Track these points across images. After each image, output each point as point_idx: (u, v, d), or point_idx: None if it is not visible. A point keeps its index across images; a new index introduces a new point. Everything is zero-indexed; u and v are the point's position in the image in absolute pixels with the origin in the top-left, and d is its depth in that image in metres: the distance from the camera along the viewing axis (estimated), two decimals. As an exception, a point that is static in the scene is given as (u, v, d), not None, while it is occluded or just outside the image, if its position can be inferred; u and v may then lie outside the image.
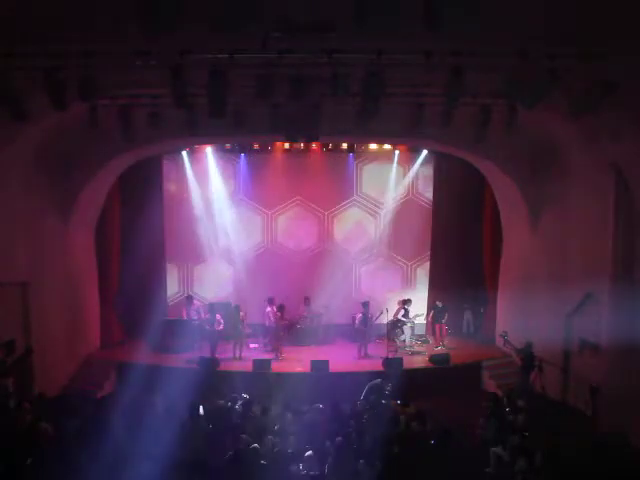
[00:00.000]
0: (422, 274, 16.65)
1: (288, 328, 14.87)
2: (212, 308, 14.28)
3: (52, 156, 11.85)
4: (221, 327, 13.93)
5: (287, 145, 15.25)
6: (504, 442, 8.39)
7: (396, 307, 14.94)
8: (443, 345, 14.72)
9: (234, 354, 13.96)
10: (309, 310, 15.48)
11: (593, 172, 10.88)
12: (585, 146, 10.81)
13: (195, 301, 15.15)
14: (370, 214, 16.38)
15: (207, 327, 13.92)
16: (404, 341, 14.79)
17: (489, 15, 6.33)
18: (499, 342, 14.17)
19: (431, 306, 15.50)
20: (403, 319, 14.74)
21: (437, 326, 14.97)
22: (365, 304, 14.62)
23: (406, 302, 14.98)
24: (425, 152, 15.78)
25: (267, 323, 14.50)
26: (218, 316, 13.99)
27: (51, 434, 8.16)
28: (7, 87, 7.50)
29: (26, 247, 11.42)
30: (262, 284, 15.91)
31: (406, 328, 14.79)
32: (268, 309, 14.39)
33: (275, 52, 7.27)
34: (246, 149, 15.73)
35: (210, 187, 15.97)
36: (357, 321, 14.47)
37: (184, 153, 15.59)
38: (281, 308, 14.38)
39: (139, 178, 15.20)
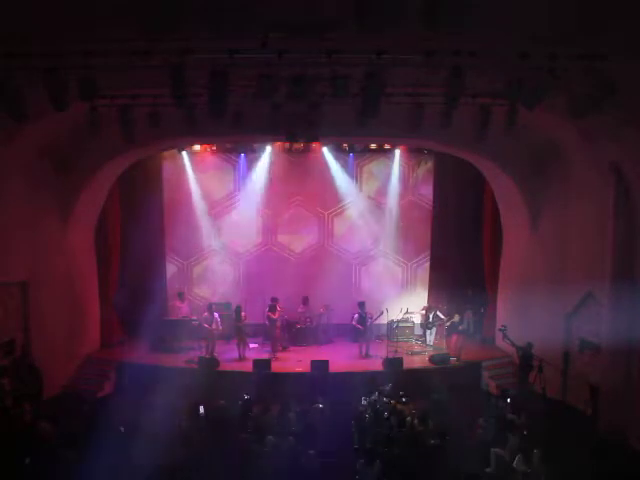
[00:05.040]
0: (422, 274, 16.66)
1: (283, 327, 14.83)
2: (209, 307, 14.28)
3: (52, 156, 11.85)
4: (220, 327, 13.94)
5: (287, 145, 15.26)
6: (504, 442, 8.39)
7: (422, 312, 15.46)
8: (459, 359, 13.90)
9: (239, 354, 13.98)
10: (308, 310, 15.48)
11: (593, 172, 10.88)
12: (585, 146, 10.81)
13: (187, 297, 15.18)
14: (370, 214, 16.36)
15: (206, 326, 13.94)
16: (425, 342, 15.10)
17: (489, 15, 6.34)
18: (499, 341, 14.17)
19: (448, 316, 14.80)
20: (432, 321, 14.93)
21: (454, 336, 14.28)
22: (361, 304, 14.65)
23: (429, 309, 15.33)
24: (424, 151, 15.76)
25: (267, 323, 14.53)
26: (216, 315, 14.00)
27: (51, 434, 8.15)
28: (7, 87, 7.49)
29: (26, 247, 11.43)
30: (262, 284, 15.97)
31: (429, 331, 15.00)
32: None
33: (275, 52, 7.27)
34: (246, 149, 15.74)
35: (210, 187, 16.00)
36: (354, 321, 14.48)
37: (184, 153, 15.61)
38: (272, 307, 14.30)
39: (139, 178, 15.21)
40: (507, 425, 9.01)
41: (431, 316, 15.01)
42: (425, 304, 16.00)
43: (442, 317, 14.80)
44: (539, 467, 7.64)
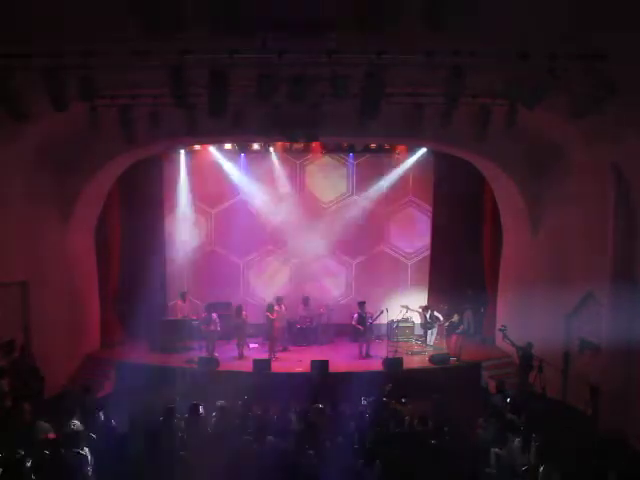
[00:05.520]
0: (422, 274, 16.66)
1: (284, 327, 14.80)
2: (209, 308, 14.26)
3: (52, 156, 11.85)
4: (218, 327, 13.94)
5: (287, 145, 15.26)
6: (504, 442, 8.39)
7: (419, 312, 15.30)
8: (459, 359, 13.96)
9: (238, 353, 14.03)
10: (308, 310, 15.48)
11: (593, 172, 10.88)
12: (585, 146, 10.81)
13: (188, 299, 15.25)
14: (369, 213, 16.36)
15: (203, 327, 13.94)
16: (425, 342, 15.04)
17: (489, 15, 6.34)
18: (499, 341, 14.17)
19: (447, 317, 14.83)
20: (430, 321, 14.90)
21: (454, 336, 14.23)
22: (361, 304, 14.64)
23: (426, 308, 15.22)
24: (423, 150, 15.75)
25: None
26: (214, 315, 14.00)
27: (50, 434, 8.14)
28: (7, 87, 7.50)
29: (26, 247, 11.42)
30: (263, 283, 15.99)
31: (430, 331, 14.97)
32: (277, 308, 14.44)
33: (275, 52, 7.27)
34: (246, 149, 15.74)
35: (210, 187, 16.00)
36: (354, 321, 14.47)
37: (184, 153, 15.60)
38: (270, 307, 14.26)
39: (139, 178, 15.21)
40: (507, 425, 9.00)
41: (428, 316, 14.99)
42: (423, 304, 15.94)
43: (439, 317, 14.80)
44: (537, 459, 7.63)
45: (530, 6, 6.49)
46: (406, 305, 15.36)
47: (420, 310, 15.37)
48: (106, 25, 6.85)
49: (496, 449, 8.23)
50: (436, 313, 14.87)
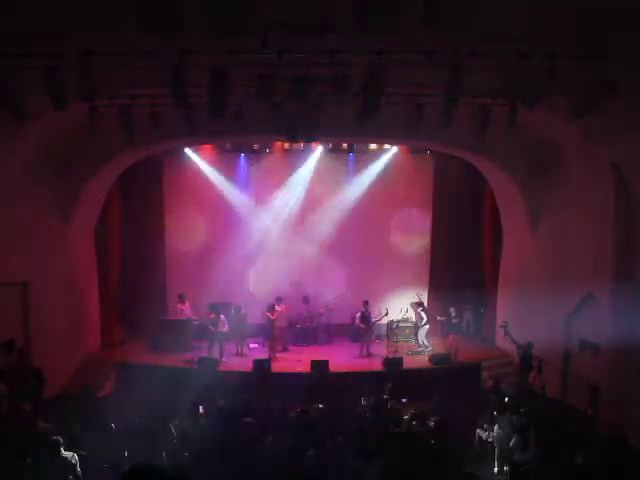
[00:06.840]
0: (422, 274, 16.65)
1: (283, 327, 14.79)
2: (214, 309, 14.24)
3: (52, 156, 11.85)
4: (225, 328, 13.92)
5: (287, 145, 15.25)
6: (505, 440, 8.39)
7: (413, 309, 15.21)
8: (455, 358, 13.77)
9: (237, 351, 14.11)
10: (308, 310, 15.48)
11: (593, 172, 10.89)
12: (585, 146, 10.81)
13: (187, 300, 15.24)
14: (370, 213, 16.35)
15: (211, 328, 13.91)
16: (419, 341, 14.86)
17: (489, 15, 6.34)
18: (499, 341, 14.17)
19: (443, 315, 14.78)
20: (416, 320, 14.86)
21: (450, 336, 14.20)
22: (365, 303, 14.64)
23: (417, 304, 15.12)
24: (424, 150, 15.74)
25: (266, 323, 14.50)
26: (222, 317, 13.96)
27: (51, 434, 8.14)
28: (7, 87, 7.50)
29: (26, 247, 11.41)
30: (263, 283, 15.97)
31: (422, 329, 14.82)
32: (277, 308, 14.45)
33: (275, 52, 7.27)
34: (246, 149, 15.74)
35: (210, 187, 16.00)
36: (357, 320, 14.46)
37: (184, 153, 15.59)
38: (270, 307, 14.28)
39: (139, 178, 15.22)
40: (507, 423, 9.00)
41: (418, 312, 14.92)
42: (413, 300, 15.77)
43: (423, 317, 14.74)
44: (536, 458, 7.65)
45: (530, 6, 6.49)
46: (406, 308, 15.27)
47: (409, 305, 15.26)
48: (106, 25, 6.84)
49: (479, 430, 8.20)
50: (422, 313, 14.81)
